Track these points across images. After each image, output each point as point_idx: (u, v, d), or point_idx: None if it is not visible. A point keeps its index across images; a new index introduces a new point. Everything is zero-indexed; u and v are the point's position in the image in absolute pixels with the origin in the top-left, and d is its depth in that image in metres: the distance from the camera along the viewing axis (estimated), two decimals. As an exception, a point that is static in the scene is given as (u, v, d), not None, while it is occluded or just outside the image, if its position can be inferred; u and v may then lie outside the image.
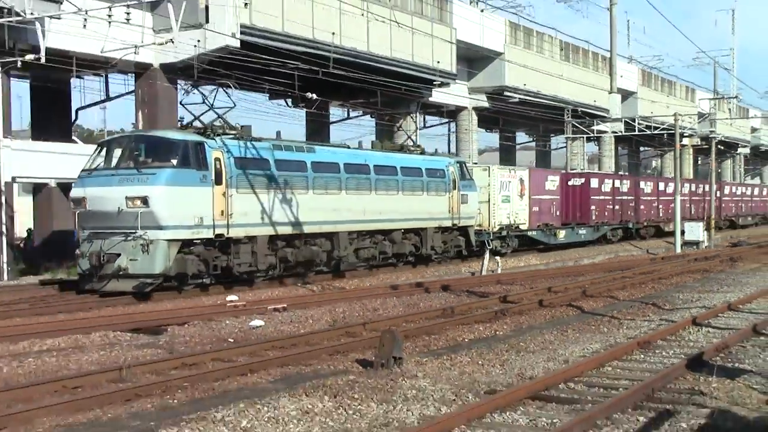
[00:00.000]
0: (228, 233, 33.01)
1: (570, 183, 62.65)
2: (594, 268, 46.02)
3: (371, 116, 70.82)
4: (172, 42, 37.99)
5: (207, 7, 41.44)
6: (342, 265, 40.22)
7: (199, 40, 42.84)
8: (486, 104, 72.45)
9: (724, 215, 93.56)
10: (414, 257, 45.97)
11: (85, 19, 30.90)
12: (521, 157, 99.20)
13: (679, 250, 59.73)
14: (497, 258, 45.30)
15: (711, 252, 57.04)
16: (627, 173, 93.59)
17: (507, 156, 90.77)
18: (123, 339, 23.20)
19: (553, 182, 59.53)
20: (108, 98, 51.98)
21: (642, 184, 74.87)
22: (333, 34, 49.56)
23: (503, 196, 52.38)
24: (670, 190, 74.48)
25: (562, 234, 60.14)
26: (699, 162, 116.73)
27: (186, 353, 20.69)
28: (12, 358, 20.51)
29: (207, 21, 42.12)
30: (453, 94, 66.89)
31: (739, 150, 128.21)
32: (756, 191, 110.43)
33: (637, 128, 76.68)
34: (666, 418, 13.78)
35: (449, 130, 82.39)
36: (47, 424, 14.32)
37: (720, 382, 16.60)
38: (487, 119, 78.79)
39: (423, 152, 48.49)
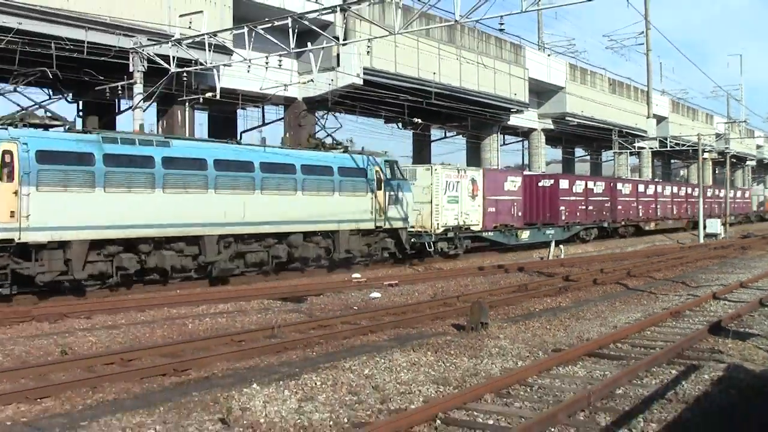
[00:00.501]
0: (21, 237, 22.94)
1: (540, 184, 51.68)
2: (636, 254, 45.49)
3: (463, 136, 70.66)
4: (312, 81, 38.57)
5: (338, 55, 41.65)
6: (214, 271, 29.13)
7: (332, 80, 43.18)
8: (551, 127, 71.90)
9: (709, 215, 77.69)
10: (367, 257, 36.21)
11: (249, 66, 31.24)
12: (579, 168, 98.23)
13: (702, 240, 58.74)
14: (561, 246, 44.92)
15: (726, 242, 55.96)
16: (621, 177, 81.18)
17: (568, 167, 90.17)
18: (274, 305, 23.50)
19: (513, 183, 47.98)
20: (264, 124, 52.45)
21: (619, 186, 62.94)
22: (434, 73, 49.55)
23: (450, 196, 40.81)
24: (650, 191, 68.31)
25: (525, 234, 48.78)
26: (716, 172, 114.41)
27: (321, 317, 20.91)
28: (194, 317, 20.98)
29: (338, 65, 42.37)
30: (526, 119, 66.56)
31: (747, 162, 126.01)
32: (739, 194, 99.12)
33: (668, 145, 75.62)
34: (692, 371, 13.75)
35: (523, 147, 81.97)
36: (220, 367, 14.70)
37: (734, 343, 16.51)
38: (552, 138, 78.14)
39: (346, 150, 36.31)
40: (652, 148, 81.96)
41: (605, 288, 28.30)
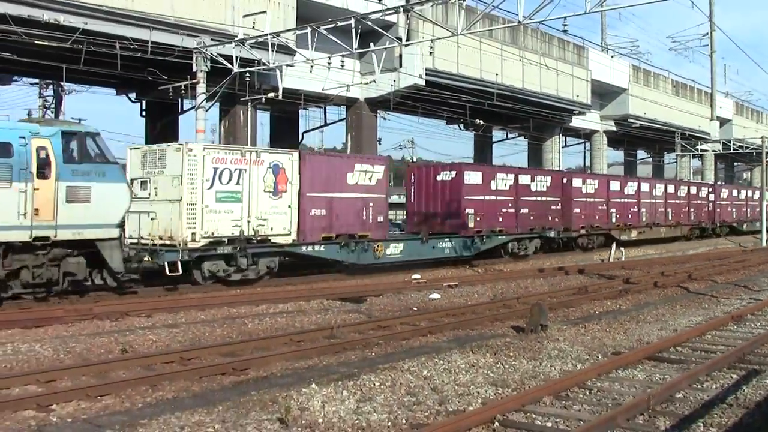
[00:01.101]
0: None
1: (439, 177, 38.72)
2: (697, 257, 44.95)
3: (524, 137, 70.38)
4: (375, 82, 38.69)
5: (401, 56, 41.76)
6: None
7: (394, 80, 43.26)
8: (614, 128, 71.38)
9: (721, 220, 69.68)
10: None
11: (311, 66, 31.42)
12: (641, 170, 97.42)
13: (764, 243, 57.93)
14: (622, 249, 44.47)
15: (791, 246, 55.25)
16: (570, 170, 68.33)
17: (630, 169, 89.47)
18: (334, 306, 23.54)
19: (367, 175, 32.79)
20: (326, 124, 52.66)
21: (577, 183, 48.02)
22: (496, 74, 49.44)
23: (224, 192, 27.68)
24: (630, 190, 53.88)
25: (395, 249, 34.34)
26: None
27: (381, 318, 20.92)
28: (254, 317, 21.09)
29: (401, 65, 42.46)
30: (588, 121, 66.10)
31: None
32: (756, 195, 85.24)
33: (732, 148, 74.80)
34: (753, 376, 13.60)
35: (585, 148, 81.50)
36: (279, 367, 14.74)
37: (797, 348, 16.36)
38: (614, 140, 77.53)
39: None
40: (715, 151, 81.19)
41: (666, 291, 28.02)
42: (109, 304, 22.25)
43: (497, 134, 69.88)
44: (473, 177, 39.19)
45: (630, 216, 53.74)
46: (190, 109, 39.64)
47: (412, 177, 39.72)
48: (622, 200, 53.03)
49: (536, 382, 13.30)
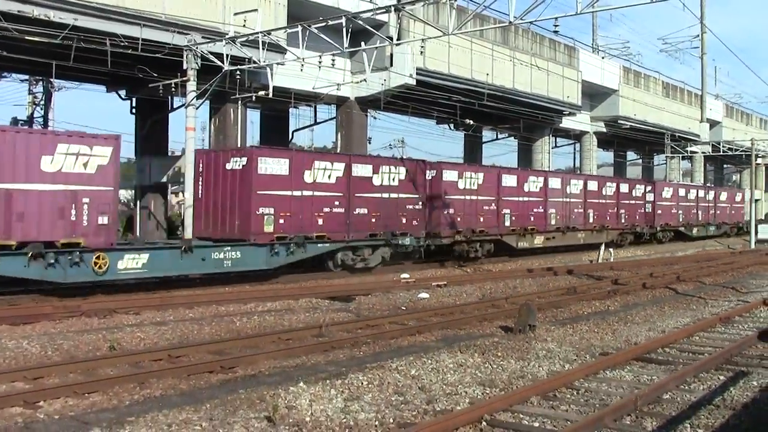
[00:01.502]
0: None
1: (229, 166, 30.59)
2: (686, 258, 45.05)
3: (515, 138, 70.36)
4: (365, 81, 38.60)
5: (392, 55, 41.72)
6: None
7: (385, 80, 43.18)
8: (604, 130, 71.33)
9: (663, 223, 61.86)
10: None
11: (302, 65, 31.32)
12: (630, 171, 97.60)
13: (753, 246, 58.07)
14: (611, 249, 44.56)
15: (779, 248, 55.34)
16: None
17: (619, 170, 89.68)
18: (323, 304, 23.61)
19: (80, 160, 24.18)
20: (316, 123, 52.50)
21: (451, 176, 39.28)
22: (487, 74, 49.39)
23: None
24: (533, 186, 45.93)
25: (133, 262, 25.67)
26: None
27: (369, 317, 20.99)
28: (242, 315, 21.14)
29: (391, 65, 42.41)
30: (578, 122, 66.08)
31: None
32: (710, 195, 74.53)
33: (721, 150, 74.94)
34: (741, 378, 13.67)
35: (575, 149, 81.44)
36: (267, 365, 14.78)
37: (784, 350, 16.44)
38: (604, 141, 77.48)
39: None
40: (704, 153, 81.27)
41: (654, 292, 28.14)
42: (97, 302, 22.26)
43: (487, 134, 69.89)
44: (273, 165, 30.69)
45: (533, 218, 45.27)
46: (180, 107, 39.55)
47: (200, 166, 31.40)
48: (522, 199, 44.21)
49: (524, 382, 13.35)
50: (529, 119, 58.07)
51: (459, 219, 39.25)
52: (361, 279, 31.11)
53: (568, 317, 21.85)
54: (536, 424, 10.85)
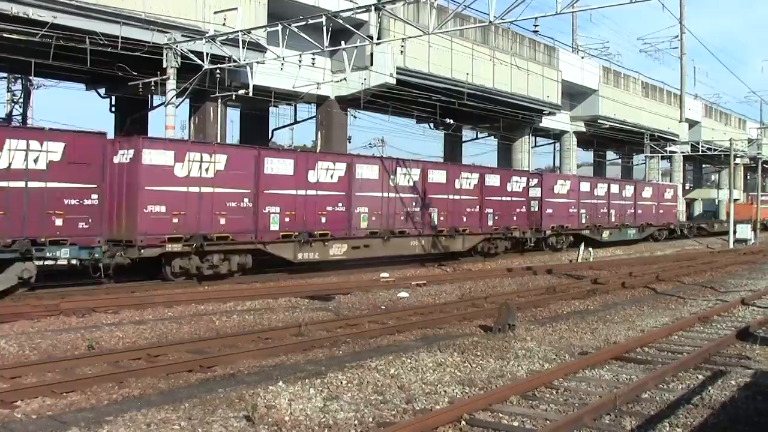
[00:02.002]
0: None
1: (116, 160, 26.34)
2: (665, 258, 45.17)
3: (495, 137, 70.46)
4: (345, 80, 38.62)
5: (372, 54, 41.73)
6: None
7: (365, 78, 43.20)
8: (583, 129, 71.54)
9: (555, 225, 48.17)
10: None
11: (282, 64, 31.31)
12: (610, 171, 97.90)
13: (731, 245, 58.35)
14: (590, 249, 44.64)
15: (756, 248, 55.53)
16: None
17: (599, 170, 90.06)
18: (302, 304, 23.55)
19: None
20: (296, 122, 52.60)
21: (272, 163, 30.33)
22: (467, 74, 49.45)
23: None
24: (469, 183, 40.61)
25: None
26: (748, 177, 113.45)
27: (349, 316, 20.96)
28: (222, 314, 21.05)
29: (371, 64, 42.42)
30: (558, 121, 66.26)
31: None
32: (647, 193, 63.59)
33: (700, 150, 75.21)
34: (719, 377, 13.70)
35: (554, 149, 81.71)
36: (246, 364, 14.74)
37: (762, 349, 16.52)
38: (584, 141, 77.70)
39: None
40: (683, 153, 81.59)
41: (634, 292, 28.21)
42: (76, 300, 22.12)
43: (467, 134, 69.99)
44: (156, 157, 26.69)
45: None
46: (159, 105, 39.53)
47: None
48: (301, 194, 31.56)
49: (503, 381, 13.33)
50: (509, 119, 58.21)
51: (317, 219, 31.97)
52: (340, 278, 31.04)
53: (547, 316, 21.87)
54: (516, 424, 10.85)
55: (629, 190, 60.19)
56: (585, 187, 53.37)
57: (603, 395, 12.11)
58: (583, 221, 52.39)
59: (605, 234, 55.07)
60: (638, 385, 12.58)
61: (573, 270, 35.65)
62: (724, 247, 57.69)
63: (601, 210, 55.10)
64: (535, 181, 47.63)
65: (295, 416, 10.93)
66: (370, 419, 10.91)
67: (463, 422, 10.69)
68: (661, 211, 64.66)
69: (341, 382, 12.77)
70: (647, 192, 63.31)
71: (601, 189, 55.58)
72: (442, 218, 39.00)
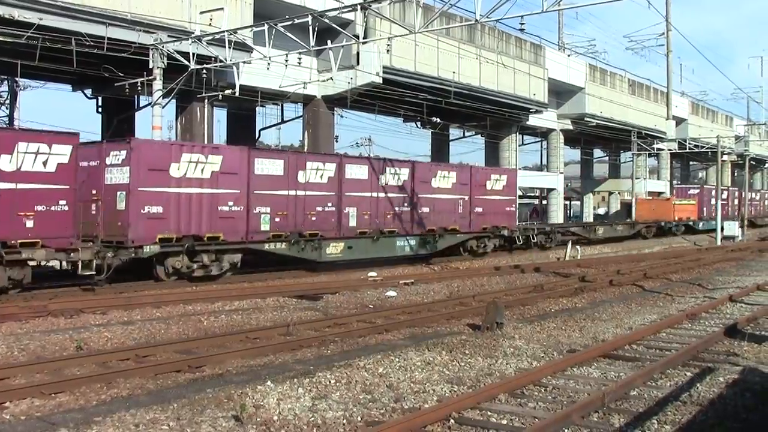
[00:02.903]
0: None
1: None
2: (653, 255, 45.26)
3: (482, 135, 70.51)
4: (332, 79, 38.63)
5: (358, 53, 41.68)
6: None
7: (351, 78, 43.15)
8: (570, 127, 71.64)
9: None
10: None
11: (269, 63, 31.31)
12: (597, 169, 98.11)
13: (719, 242, 58.50)
14: (577, 247, 44.71)
15: (744, 245, 55.67)
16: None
17: (586, 167, 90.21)
18: (290, 303, 23.55)
19: None
20: (283, 121, 52.54)
21: None
22: (453, 72, 49.46)
23: None
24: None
25: None
26: (735, 174, 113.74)
27: (337, 315, 20.96)
28: (210, 314, 21.04)
29: (358, 63, 42.37)
30: (545, 119, 66.32)
31: (767, 165, 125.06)
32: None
33: (687, 147, 75.42)
34: (708, 374, 13.73)
35: (541, 147, 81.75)
36: (235, 364, 14.74)
37: (750, 346, 16.54)
38: (571, 139, 77.81)
39: None
40: (670, 150, 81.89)
41: (621, 289, 28.27)
42: (64, 301, 22.08)
43: (454, 132, 70.02)
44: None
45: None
46: (146, 106, 39.41)
47: None
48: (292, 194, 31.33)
49: (492, 379, 13.35)
50: (495, 117, 58.27)
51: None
52: (328, 277, 31.04)
53: (535, 315, 21.90)
54: (504, 422, 10.86)
55: (404, 173, 37.90)
56: (428, 176, 39.32)
57: (591, 393, 12.13)
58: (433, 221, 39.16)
59: (329, 248, 33.89)
60: (626, 383, 12.61)
61: (561, 268, 35.70)
62: (712, 244, 57.82)
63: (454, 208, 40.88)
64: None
65: (283, 416, 10.93)
66: (359, 418, 10.92)
67: (452, 421, 10.69)
68: (479, 210, 42.38)
69: (330, 382, 12.77)
70: (443, 179, 40.50)
71: (442, 178, 40.32)
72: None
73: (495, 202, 43.62)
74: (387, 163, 37.54)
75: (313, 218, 32.53)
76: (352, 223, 34.57)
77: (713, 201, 69.73)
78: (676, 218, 70.03)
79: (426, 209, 38.67)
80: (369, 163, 36.50)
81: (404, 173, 37.76)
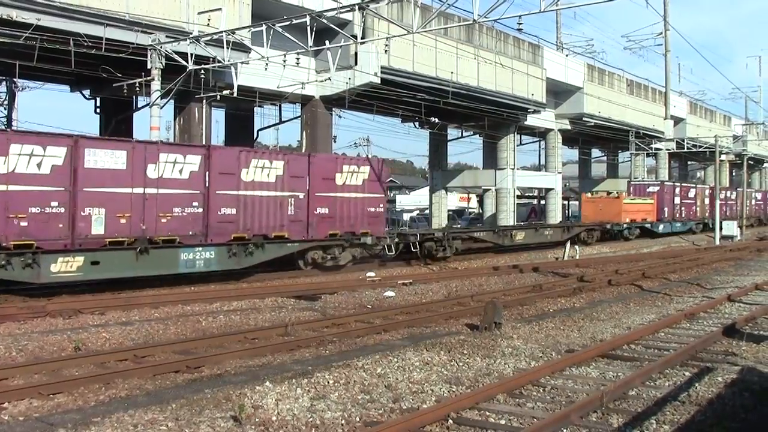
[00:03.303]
0: None
1: None
2: (651, 255, 45.26)
3: (480, 135, 70.48)
4: (330, 80, 38.53)
5: (356, 54, 41.61)
6: None
7: (349, 78, 43.14)
8: (568, 127, 71.59)
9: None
10: None
11: (267, 64, 31.34)
12: (595, 169, 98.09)
13: (717, 242, 58.50)
14: (576, 247, 44.69)
15: (742, 244, 55.64)
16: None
17: (584, 167, 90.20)
18: (288, 303, 23.54)
19: None
20: (281, 122, 52.41)
21: None
22: (451, 73, 49.45)
23: None
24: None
25: None
26: (733, 174, 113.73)
27: (335, 315, 20.97)
28: (208, 314, 21.03)
29: (356, 63, 42.33)
30: (543, 119, 66.29)
31: (765, 165, 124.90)
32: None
33: (685, 147, 75.42)
34: (706, 373, 13.73)
35: (540, 147, 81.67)
36: (233, 364, 14.74)
37: (748, 345, 16.53)
38: (569, 138, 77.83)
39: None
40: (669, 150, 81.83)
41: (620, 289, 28.27)
42: (62, 302, 22.08)
43: (452, 132, 69.96)
44: None
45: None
46: (144, 106, 39.38)
47: None
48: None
49: (490, 379, 13.35)
50: (494, 117, 58.27)
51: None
52: (327, 278, 31.02)
53: (533, 315, 21.91)
54: (503, 422, 10.86)
55: (194, 162, 28.48)
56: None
57: (590, 393, 12.13)
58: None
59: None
60: (625, 383, 12.61)
61: (559, 268, 35.70)
62: (711, 243, 57.81)
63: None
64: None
65: (282, 416, 10.93)
66: (357, 419, 10.92)
67: (450, 421, 10.70)
68: (323, 211, 33.32)
69: (328, 382, 12.77)
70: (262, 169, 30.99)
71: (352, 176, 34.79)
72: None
73: (351, 202, 34.18)
74: (163, 148, 27.44)
75: (24, 223, 23.29)
76: (98, 229, 25.07)
77: (676, 200, 68.22)
78: (628, 220, 60.20)
79: (231, 210, 29.19)
80: (130, 148, 26.26)
81: (193, 162, 28.01)
